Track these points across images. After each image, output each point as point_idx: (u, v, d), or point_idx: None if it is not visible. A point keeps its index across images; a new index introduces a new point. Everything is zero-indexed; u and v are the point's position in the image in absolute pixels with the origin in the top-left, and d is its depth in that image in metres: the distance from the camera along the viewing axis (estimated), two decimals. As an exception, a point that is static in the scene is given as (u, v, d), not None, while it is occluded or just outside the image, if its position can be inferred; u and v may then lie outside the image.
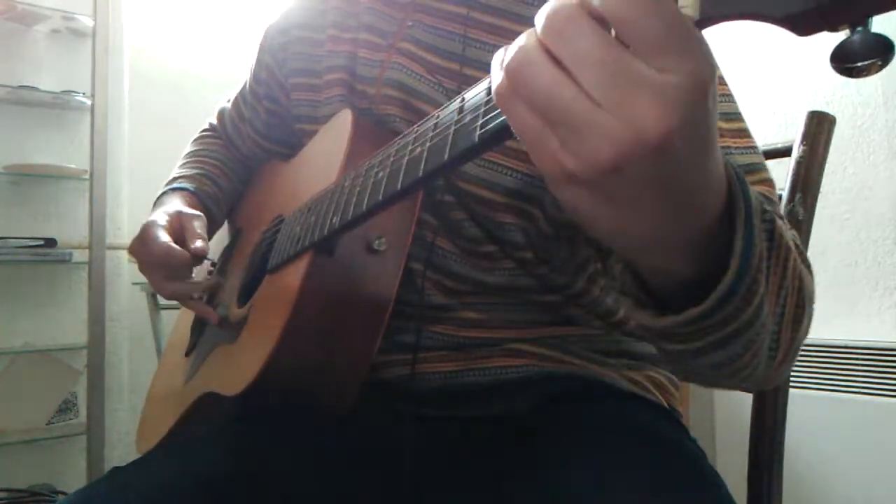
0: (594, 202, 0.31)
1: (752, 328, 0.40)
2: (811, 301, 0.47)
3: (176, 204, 0.83)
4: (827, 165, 0.74)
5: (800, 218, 0.73)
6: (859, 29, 0.27)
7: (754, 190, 0.39)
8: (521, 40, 0.31)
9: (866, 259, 1.66)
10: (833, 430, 1.55)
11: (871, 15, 0.27)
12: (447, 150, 0.40)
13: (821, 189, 0.74)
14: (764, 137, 1.87)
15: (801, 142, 0.74)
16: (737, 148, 0.59)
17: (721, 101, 0.61)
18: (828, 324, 1.70)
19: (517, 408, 0.65)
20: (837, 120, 0.75)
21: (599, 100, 0.28)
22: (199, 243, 0.77)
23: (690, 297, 0.37)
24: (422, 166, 0.43)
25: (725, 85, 0.63)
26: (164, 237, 0.77)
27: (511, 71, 0.30)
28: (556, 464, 0.57)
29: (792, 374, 0.74)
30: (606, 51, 0.28)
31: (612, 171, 0.29)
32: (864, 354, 1.55)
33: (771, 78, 1.85)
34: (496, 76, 0.32)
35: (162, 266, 0.77)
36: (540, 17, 0.30)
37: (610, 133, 0.28)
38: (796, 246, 0.47)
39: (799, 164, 0.74)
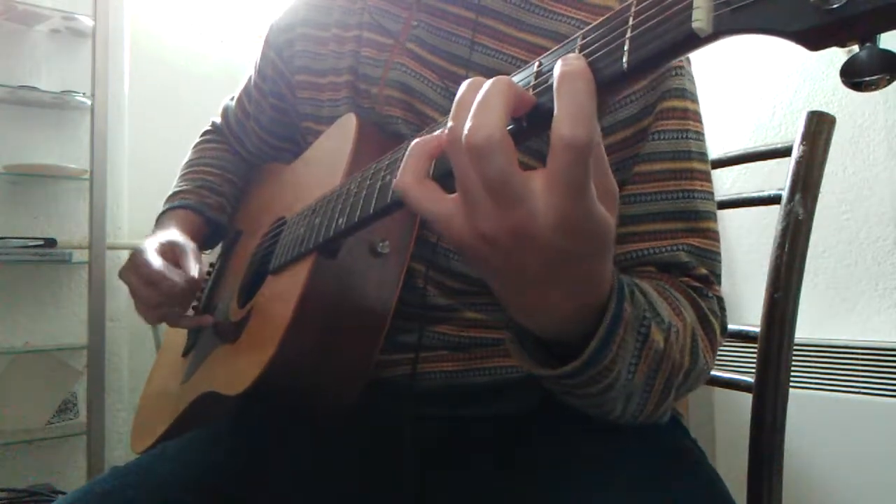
0: (471, 255, 0.40)
1: (593, 399, 0.48)
2: (683, 388, 0.55)
3: (172, 232, 0.83)
4: (827, 165, 0.74)
5: (800, 218, 0.73)
6: (867, 45, 0.28)
7: (639, 303, 0.47)
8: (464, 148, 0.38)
9: (866, 259, 1.66)
10: (833, 430, 1.55)
11: (879, 32, 0.28)
12: None
13: (821, 189, 0.74)
14: (764, 137, 1.88)
15: (801, 142, 0.74)
16: (702, 191, 0.62)
17: (699, 140, 0.64)
18: (828, 324, 1.70)
19: (518, 407, 0.65)
20: (837, 120, 0.75)
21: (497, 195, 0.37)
22: (193, 273, 0.77)
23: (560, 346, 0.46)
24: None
25: (700, 122, 0.64)
26: (160, 261, 0.76)
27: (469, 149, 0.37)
28: (556, 463, 0.57)
29: (792, 374, 0.74)
30: (516, 176, 0.36)
31: (488, 238, 0.38)
32: (864, 354, 1.55)
33: (771, 78, 1.85)
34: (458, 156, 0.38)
35: (152, 288, 0.75)
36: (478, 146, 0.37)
37: (492, 216, 0.37)
38: (692, 339, 0.54)
39: (799, 164, 0.74)
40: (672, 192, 0.61)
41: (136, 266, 0.77)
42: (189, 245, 0.81)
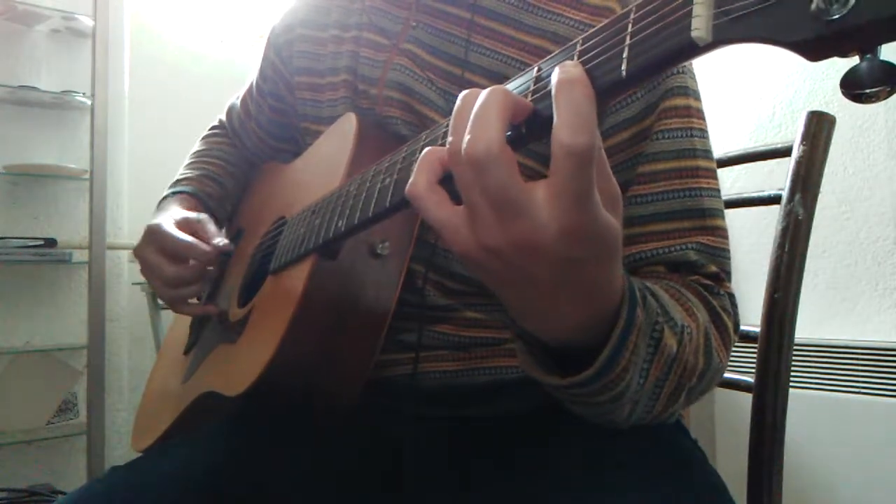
0: (476, 266, 0.40)
1: (603, 407, 0.47)
2: (697, 390, 0.54)
3: (178, 210, 0.83)
4: (827, 165, 0.74)
5: (800, 218, 0.73)
6: (868, 56, 0.28)
7: (652, 307, 0.46)
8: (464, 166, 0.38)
9: (866, 259, 1.66)
10: (833, 430, 1.55)
11: (879, 44, 0.28)
12: None
13: (821, 189, 0.74)
14: (764, 137, 1.88)
15: (801, 142, 0.74)
16: (708, 188, 0.62)
17: (704, 137, 0.63)
18: (828, 324, 1.70)
19: (517, 408, 0.65)
20: (837, 120, 0.75)
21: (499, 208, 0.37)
22: (221, 241, 0.77)
23: (566, 355, 0.46)
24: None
25: (703, 119, 0.64)
26: (185, 235, 0.76)
27: (470, 163, 0.37)
28: (556, 464, 0.57)
29: (792, 374, 0.74)
30: (517, 188, 0.36)
31: (492, 250, 0.38)
32: (864, 354, 1.55)
33: (771, 78, 1.85)
34: (462, 168, 0.38)
35: (174, 263, 0.76)
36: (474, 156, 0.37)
37: (495, 228, 0.37)
38: (706, 339, 0.53)
39: (799, 164, 0.74)
40: (678, 190, 0.61)
41: (156, 240, 0.77)
42: (202, 215, 0.81)
